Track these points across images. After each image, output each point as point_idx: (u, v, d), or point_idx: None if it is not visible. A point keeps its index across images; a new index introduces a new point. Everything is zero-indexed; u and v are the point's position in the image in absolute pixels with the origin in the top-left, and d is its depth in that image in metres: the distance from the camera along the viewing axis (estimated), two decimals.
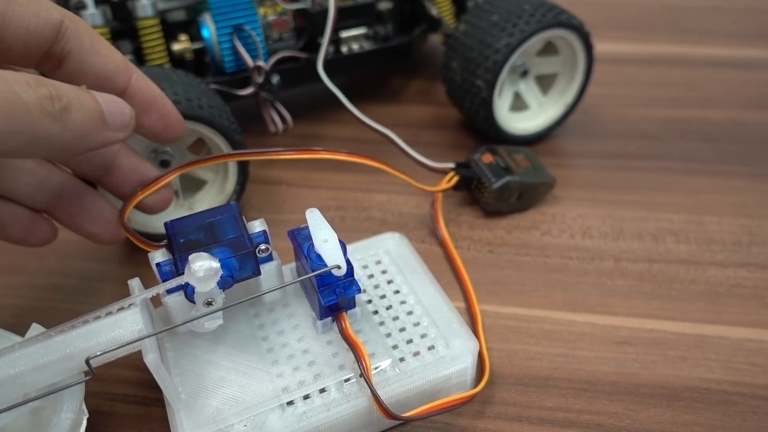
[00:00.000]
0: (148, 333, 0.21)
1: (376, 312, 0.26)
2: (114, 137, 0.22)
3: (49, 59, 0.22)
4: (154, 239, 0.25)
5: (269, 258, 0.25)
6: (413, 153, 0.33)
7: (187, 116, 0.28)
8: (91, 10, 0.33)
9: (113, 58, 0.23)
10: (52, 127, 0.19)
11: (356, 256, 0.29)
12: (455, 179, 0.34)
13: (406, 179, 0.30)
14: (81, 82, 0.22)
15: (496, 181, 0.33)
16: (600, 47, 0.40)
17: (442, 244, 0.33)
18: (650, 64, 0.49)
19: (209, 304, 0.22)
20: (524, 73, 0.39)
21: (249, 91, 0.36)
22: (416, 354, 0.24)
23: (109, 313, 0.21)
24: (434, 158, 0.34)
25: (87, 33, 0.23)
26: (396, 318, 0.26)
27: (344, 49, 0.40)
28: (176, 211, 0.32)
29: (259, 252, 0.24)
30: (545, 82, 0.40)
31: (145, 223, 0.31)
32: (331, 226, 0.24)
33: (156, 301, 0.24)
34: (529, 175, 0.34)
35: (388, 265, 0.28)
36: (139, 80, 0.24)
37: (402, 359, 0.24)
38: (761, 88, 0.45)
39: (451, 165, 0.34)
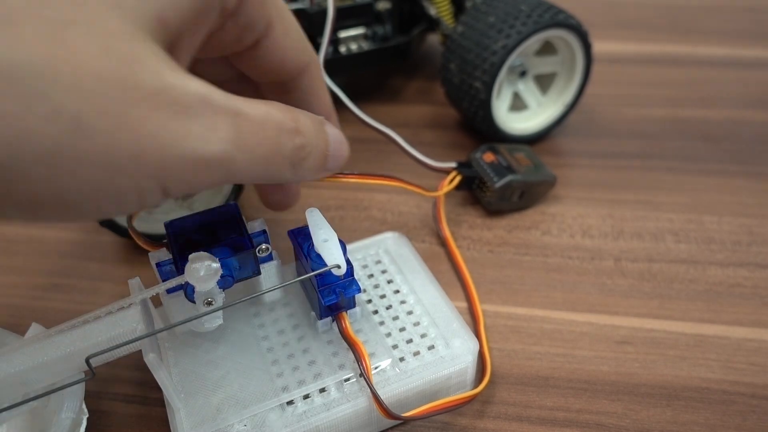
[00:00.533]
0: (147, 332, 0.21)
1: (376, 312, 0.26)
2: (325, 174, 0.23)
3: (278, 88, 0.24)
4: (154, 239, 0.25)
5: (269, 258, 0.25)
6: (415, 153, 0.33)
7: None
8: None
9: (325, 103, 0.25)
10: (287, 173, 0.20)
11: (356, 255, 0.29)
12: (458, 179, 0.34)
13: (419, 191, 0.30)
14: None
15: (499, 180, 0.33)
16: (599, 47, 0.40)
17: (443, 243, 0.33)
18: (649, 63, 0.49)
19: (209, 303, 0.22)
20: (523, 73, 0.39)
21: None
22: (416, 354, 0.24)
23: (109, 313, 0.21)
24: (434, 158, 0.33)
25: (319, 78, 0.25)
26: (396, 318, 0.26)
27: (343, 49, 0.40)
28: (176, 211, 0.32)
29: (259, 252, 0.24)
30: (544, 82, 0.40)
31: (145, 223, 0.31)
32: (331, 225, 0.24)
33: (156, 300, 0.24)
34: (531, 173, 0.34)
35: (388, 264, 0.28)
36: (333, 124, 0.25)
37: (402, 359, 0.24)
38: (761, 88, 0.45)
39: (453, 164, 0.34)
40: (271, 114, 0.19)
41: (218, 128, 0.17)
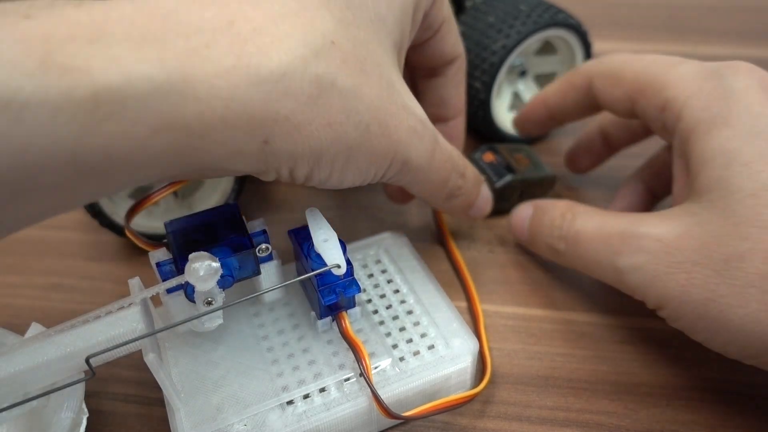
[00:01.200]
0: (148, 332, 0.21)
1: (375, 311, 0.26)
2: (462, 216, 0.29)
3: (430, 71, 0.29)
4: (154, 239, 0.25)
5: (269, 257, 0.25)
6: None
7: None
8: None
9: (462, 97, 0.30)
10: (441, 200, 0.27)
11: (356, 255, 0.29)
12: None
13: None
14: (431, 98, 0.30)
15: (499, 180, 0.33)
16: (598, 46, 0.40)
17: (443, 243, 0.33)
18: None
19: (209, 303, 0.22)
20: (523, 73, 0.39)
21: None
22: (416, 353, 0.24)
23: (109, 313, 0.21)
24: None
25: (463, 70, 0.30)
26: (396, 317, 0.26)
27: None
28: (176, 211, 0.32)
29: (259, 251, 0.24)
30: (544, 82, 0.40)
31: (145, 223, 0.31)
32: (331, 225, 0.24)
33: (156, 300, 0.24)
34: (530, 173, 0.34)
35: (387, 264, 0.28)
36: (461, 122, 0.31)
37: (402, 359, 0.24)
38: None
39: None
40: (453, 154, 0.25)
41: (430, 150, 0.23)
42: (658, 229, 0.23)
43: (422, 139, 0.23)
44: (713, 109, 0.23)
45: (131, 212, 0.26)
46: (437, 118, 0.30)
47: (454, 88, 0.29)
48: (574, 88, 0.30)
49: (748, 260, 0.20)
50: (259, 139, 0.18)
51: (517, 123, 0.36)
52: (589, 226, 0.26)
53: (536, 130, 0.35)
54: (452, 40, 0.27)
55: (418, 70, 0.29)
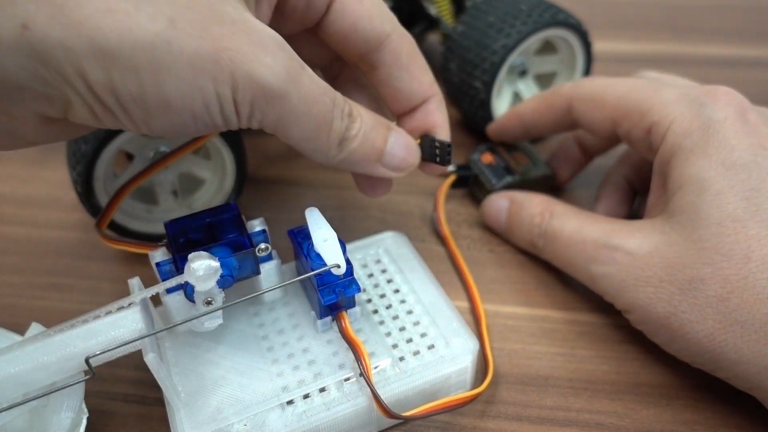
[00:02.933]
0: (147, 332, 0.21)
1: (375, 311, 0.26)
2: (383, 173, 0.24)
3: (364, 63, 0.25)
4: (154, 239, 0.25)
5: (269, 257, 0.25)
6: None
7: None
8: None
9: (420, 80, 0.26)
10: (333, 148, 0.22)
11: (356, 255, 0.29)
12: (452, 178, 0.34)
13: None
14: (383, 89, 0.26)
15: (497, 182, 0.33)
16: (599, 46, 0.40)
17: (443, 243, 0.33)
18: (649, 62, 0.49)
19: (209, 303, 0.22)
20: (523, 73, 0.39)
21: None
22: (416, 353, 0.24)
23: (109, 313, 0.21)
24: None
25: (407, 51, 0.25)
26: (396, 317, 0.26)
27: None
28: (176, 210, 0.32)
29: (258, 251, 0.24)
30: (544, 81, 0.40)
31: (145, 223, 0.31)
32: (331, 225, 0.24)
33: (156, 300, 0.24)
34: (529, 172, 0.34)
35: (387, 264, 0.28)
36: (433, 105, 0.26)
37: (402, 358, 0.24)
38: (761, 87, 0.45)
39: (452, 167, 0.34)
40: (331, 90, 0.22)
41: (286, 66, 0.19)
42: (630, 243, 0.25)
43: (275, 56, 0.19)
44: (693, 137, 0.25)
45: (104, 216, 0.27)
46: (402, 112, 0.27)
47: (403, 71, 0.25)
48: (553, 109, 0.31)
49: (708, 283, 0.23)
50: (16, 22, 0.16)
51: (490, 131, 0.36)
52: (567, 228, 0.28)
53: (508, 138, 0.35)
54: (366, 12, 0.24)
55: (355, 65, 0.26)
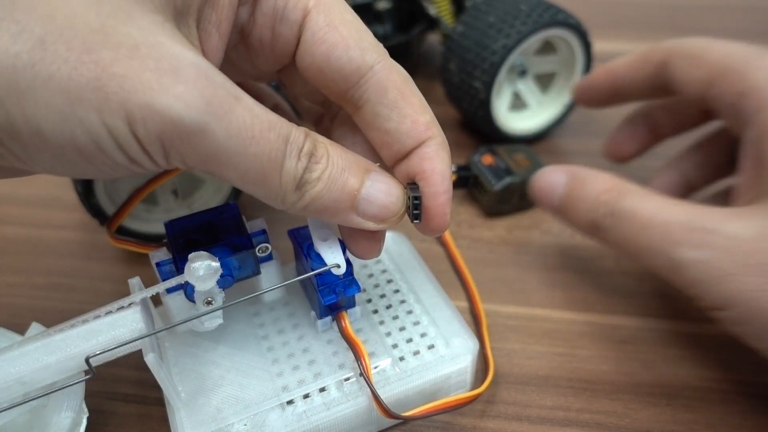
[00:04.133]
0: (147, 332, 0.21)
1: (375, 311, 0.26)
2: (360, 223, 0.21)
3: (348, 101, 0.21)
4: (154, 239, 0.25)
5: (269, 257, 0.25)
6: None
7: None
8: None
9: (414, 119, 0.21)
10: (290, 194, 0.19)
11: None
12: (452, 178, 0.34)
13: None
14: (372, 133, 0.22)
15: (497, 183, 0.33)
16: (599, 46, 0.40)
17: (443, 243, 0.33)
18: None
19: (209, 303, 0.22)
20: (523, 73, 0.39)
21: None
22: (416, 353, 0.24)
23: (109, 312, 0.21)
24: None
25: (395, 87, 0.21)
26: (396, 317, 0.26)
27: None
28: (176, 211, 0.32)
29: (258, 251, 0.24)
30: (544, 81, 0.40)
31: (145, 223, 0.31)
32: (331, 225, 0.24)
33: (156, 300, 0.24)
34: (530, 174, 0.34)
35: (387, 264, 0.28)
36: (428, 149, 0.21)
37: (402, 358, 0.24)
38: None
39: (452, 168, 0.34)
40: (283, 125, 0.18)
41: (205, 97, 0.16)
42: (731, 226, 0.22)
43: (190, 84, 0.16)
44: None
45: (113, 221, 0.26)
46: (394, 159, 0.22)
47: (392, 109, 0.21)
48: (649, 63, 0.29)
49: None
50: None
51: (577, 91, 0.33)
52: (646, 207, 0.24)
53: (594, 101, 0.32)
54: (342, 41, 0.20)
55: (334, 111, 0.24)
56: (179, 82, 0.16)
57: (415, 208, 0.21)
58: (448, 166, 0.22)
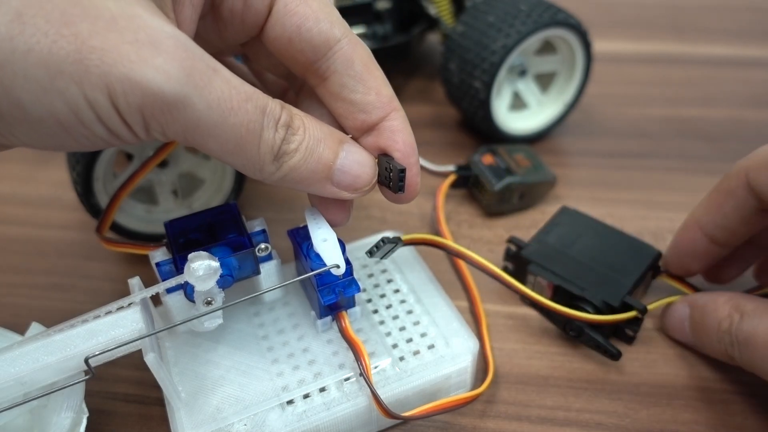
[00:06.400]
0: (147, 332, 0.21)
1: (375, 311, 0.26)
2: (335, 193, 0.21)
3: (312, 72, 0.22)
4: (154, 239, 0.25)
5: (269, 257, 0.25)
6: None
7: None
8: None
9: (378, 92, 0.22)
10: (268, 165, 0.20)
11: (356, 255, 0.29)
12: (453, 178, 0.34)
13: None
14: (336, 104, 0.22)
15: (497, 182, 0.33)
16: (599, 46, 0.40)
17: None
18: (649, 62, 0.49)
19: (209, 303, 0.22)
20: (522, 73, 0.39)
21: None
22: (416, 353, 0.24)
23: (109, 312, 0.21)
24: (434, 158, 0.34)
25: (361, 60, 0.22)
26: (396, 317, 0.26)
27: None
28: (176, 210, 0.32)
29: (258, 251, 0.24)
30: (544, 81, 0.40)
31: (145, 223, 0.31)
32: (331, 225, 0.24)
33: (156, 300, 0.24)
34: (530, 174, 0.34)
35: (387, 264, 0.28)
36: (397, 121, 0.23)
37: (402, 358, 0.24)
38: (760, 87, 0.45)
39: (452, 168, 0.34)
40: (260, 96, 0.19)
41: (185, 68, 0.17)
42: None
43: (169, 56, 0.17)
44: None
45: (104, 220, 0.26)
46: (359, 130, 0.23)
47: (357, 81, 0.22)
48: (730, 194, 0.25)
49: None
50: None
51: (671, 263, 0.29)
52: (762, 328, 0.23)
53: (696, 265, 0.28)
54: (312, 13, 0.21)
55: (298, 85, 0.24)
56: (158, 54, 0.17)
57: (400, 180, 0.22)
58: (413, 137, 0.23)
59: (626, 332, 0.27)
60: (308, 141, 0.20)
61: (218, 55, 0.23)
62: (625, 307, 0.26)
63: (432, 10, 0.41)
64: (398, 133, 0.22)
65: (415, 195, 0.24)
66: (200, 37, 0.23)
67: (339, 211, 0.24)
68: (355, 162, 0.21)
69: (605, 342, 0.26)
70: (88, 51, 0.16)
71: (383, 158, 0.23)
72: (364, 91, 0.22)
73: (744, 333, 0.23)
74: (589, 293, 0.27)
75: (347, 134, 0.23)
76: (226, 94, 0.18)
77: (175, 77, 0.17)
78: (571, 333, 0.27)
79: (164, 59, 0.17)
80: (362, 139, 0.23)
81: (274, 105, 0.19)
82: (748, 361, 0.24)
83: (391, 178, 0.22)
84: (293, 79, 0.25)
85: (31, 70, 0.16)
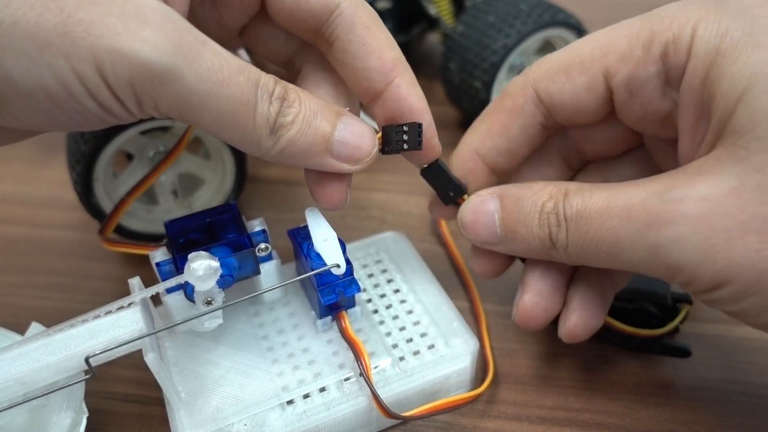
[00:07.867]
0: (147, 332, 0.21)
1: (375, 311, 0.26)
2: (335, 165, 0.21)
3: (320, 39, 0.22)
4: (154, 239, 0.25)
5: (269, 257, 0.25)
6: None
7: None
8: None
9: (380, 55, 0.22)
10: (265, 138, 0.19)
11: (356, 255, 0.29)
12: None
13: None
14: (344, 71, 0.22)
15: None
16: None
17: (443, 243, 0.33)
18: None
19: (209, 303, 0.22)
20: None
21: None
22: (416, 353, 0.24)
23: (109, 312, 0.21)
24: None
25: (362, 23, 0.21)
26: (396, 317, 0.26)
27: None
28: (176, 210, 0.32)
29: (258, 251, 0.24)
30: None
31: (145, 223, 0.31)
32: (331, 225, 0.24)
33: (156, 300, 0.24)
34: None
35: (387, 264, 0.28)
36: (402, 87, 0.22)
37: (402, 358, 0.24)
38: None
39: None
40: (252, 70, 0.19)
41: (172, 40, 0.17)
42: (699, 187, 0.18)
43: (156, 28, 0.17)
44: (732, 33, 0.19)
45: (108, 223, 0.26)
46: (368, 97, 0.22)
47: (359, 46, 0.21)
48: (516, 111, 0.24)
49: None
50: None
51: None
52: (597, 201, 0.20)
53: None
54: None
55: (314, 59, 0.24)
56: (145, 27, 0.17)
57: (417, 135, 0.22)
58: (423, 100, 0.23)
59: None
60: (304, 113, 0.20)
61: (219, 43, 0.24)
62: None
63: (432, 10, 0.41)
64: (403, 101, 0.22)
65: (437, 152, 0.24)
66: (198, 24, 0.22)
67: (337, 190, 0.23)
68: (354, 132, 0.21)
69: (674, 344, 0.27)
70: (74, 23, 0.16)
71: (388, 127, 0.22)
72: (366, 56, 0.22)
73: (574, 208, 0.21)
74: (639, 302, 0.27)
75: (362, 102, 0.23)
76: (216, 65, 0.18)
77: (163, 49, 0.17)
78: (635, 349, 0.27)
79: (151, 31, 0.17)
80: (374, 108, 0.23)
81: (267, 78, 0.19)
82: (579, 239, 0.21)
83: (406, 140, 0.22)
84: (292, 68, 0.25)
85: (18, 42, 0.16)
